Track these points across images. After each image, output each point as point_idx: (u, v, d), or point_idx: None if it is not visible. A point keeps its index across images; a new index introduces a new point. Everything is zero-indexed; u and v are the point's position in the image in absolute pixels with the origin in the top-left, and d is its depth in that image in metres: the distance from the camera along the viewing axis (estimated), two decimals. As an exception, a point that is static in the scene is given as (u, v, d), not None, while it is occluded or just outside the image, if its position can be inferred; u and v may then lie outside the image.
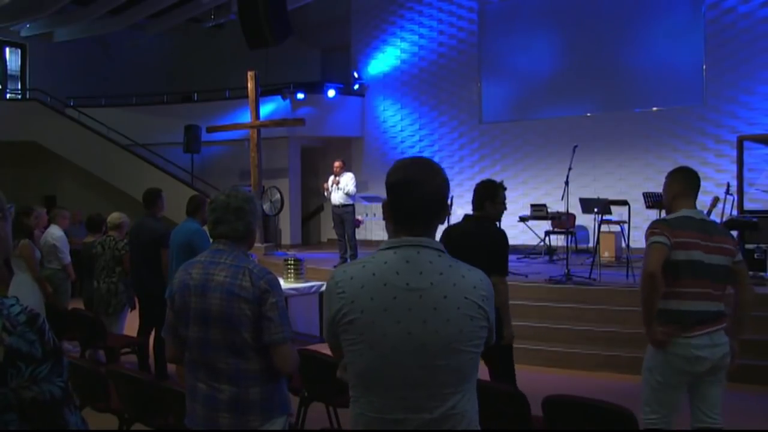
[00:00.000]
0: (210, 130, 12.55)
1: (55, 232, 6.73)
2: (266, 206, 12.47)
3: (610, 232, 9.60)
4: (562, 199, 8.22)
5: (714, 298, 3.24)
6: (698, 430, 3.31)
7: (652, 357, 3.31)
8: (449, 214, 1.81)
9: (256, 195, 2.66)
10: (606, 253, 9.67)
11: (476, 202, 4.26)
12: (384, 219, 1.82)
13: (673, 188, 3.40)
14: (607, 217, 8.50)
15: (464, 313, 1.67)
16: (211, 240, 2.57)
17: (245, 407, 2.33)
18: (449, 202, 1.84)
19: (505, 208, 4.46)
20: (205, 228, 3.28)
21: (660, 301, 3.21)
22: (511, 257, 5.37)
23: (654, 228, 3.27)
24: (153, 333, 5.95)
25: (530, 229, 10.87)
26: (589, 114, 11.79)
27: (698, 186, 3.39)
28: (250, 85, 11.65)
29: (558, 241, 10.58)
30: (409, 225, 1.74)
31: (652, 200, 8.85)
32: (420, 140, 13.77)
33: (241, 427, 2.33)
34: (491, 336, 1.76)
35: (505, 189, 4.41)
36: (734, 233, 8.07)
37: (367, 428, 1.73)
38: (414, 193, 1.73)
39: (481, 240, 4.08)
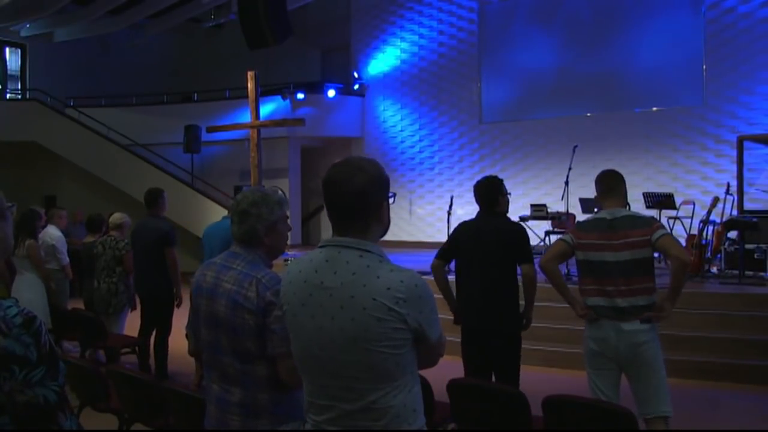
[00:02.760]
0: (210, 130, 12.54)
1: (53, 233, 6.72)
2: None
3: (610, 232, 9.58)
4: (562, 199, 8.23)
5: (621, 293, 3.38)
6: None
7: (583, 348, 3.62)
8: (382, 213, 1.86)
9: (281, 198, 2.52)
10: (606, 253, 9.65)
11: (489, 199, 4.23)
12: None
13: (597, 193, 3.72)
14: (607, 217, 8.48)
15: (370, 314, 1.69)
16: None
17: (255, 412, 2.30)
18: (385, 200, 1.85)
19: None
20: None
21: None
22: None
23: (569, 229, 3.70)
24: (154, 333, 5.96)
25: (530, 229, 10.85)
26: (589, 114, 11.79)
27: (612, 185, 3.67)
28: (250, 85, 11.64)
29: (558, 241, 10.56)
30: (335, 225, 1.83)
31: (652, 200, 8.85)
32: (420, 140, 13.77)
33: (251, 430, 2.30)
34: (423, 337, 1.75)
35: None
36: (734, 233, 8.08)
37: (307, 410, 1.86)
38: (332, 193, 1.80)
39: (501, 236, 4.09)
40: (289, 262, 8.02)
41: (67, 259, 6.72)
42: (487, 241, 4.05)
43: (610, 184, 3.67)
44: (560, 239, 3.66)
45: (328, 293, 1.75)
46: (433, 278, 4.19)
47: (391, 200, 1.91)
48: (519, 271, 4.14)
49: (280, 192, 2.54)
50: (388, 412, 1.73)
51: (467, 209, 12.51)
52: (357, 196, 1.77)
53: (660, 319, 3.42)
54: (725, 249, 8.11)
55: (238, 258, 2.36)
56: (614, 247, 3.41)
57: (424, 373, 3.76)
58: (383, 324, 1.69)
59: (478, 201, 4.31)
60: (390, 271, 1.73)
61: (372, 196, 1.79)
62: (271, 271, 2.38)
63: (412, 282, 1.72)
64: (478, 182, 4.35)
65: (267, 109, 13.08)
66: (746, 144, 9.47)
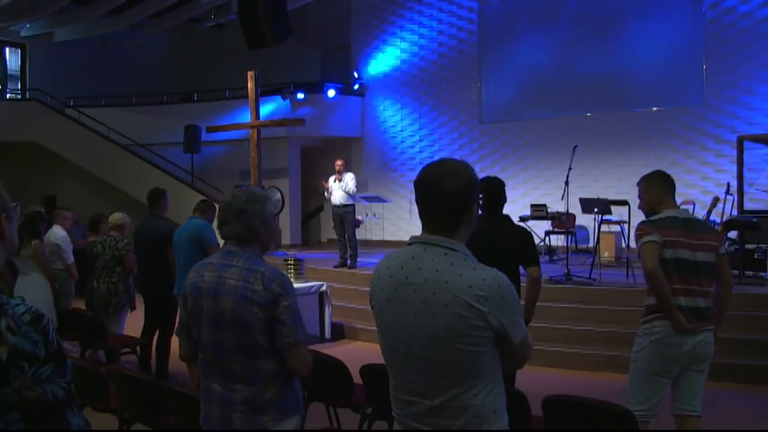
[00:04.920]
0: (210, 130, 12.55)
1: (58, 232, 6.75)
2: (267, 206, 12.48)
3: (610, 232, 9.60)
4: (562, 199, 8.22)
5: (699, 294, 3.40)
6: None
7: (639, 347, 3.54)
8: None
9: (275, 192, 2.58)
10: (606, 253, 9.67)
11: (497, 200, 4.16)
12: None
13: (656, 191, 3.58)
14: (607, 217, 8.50)
15: (451, 311, 1.72)
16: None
17: (260, 407, 2.33)
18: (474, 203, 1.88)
19: None
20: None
21: (647, 298, 3.46)
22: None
23: (642, 229, 3.47)
24: (156, 333, 5.96)
25: (530, 229, 10.86)
26: (589, 114, 11.79)
27: (675, 187, 3.64)
28: (250, 85, 11.65)
29: (558, 241, 10.58)
30: (425, 223, 1.86)
31: (652, 200, 8.84)
32: (420, 140, 13.77)
33: (254, 426, 2.33)
34: (505, 338, 1.76)
35: None
36: (734, 233, 8.09)
37: (393, 404, 1.89)
38: (425, 194, 1.83)
39: (507, 239, 4.04)
40: (289, 262, 8.03)
41: (72, 258, 6.74)
42: (494, 245, 3.88)
43: (672, 186, 3.64)
44: (650, 241, 3.39)
45: (411, 289, 1.79)
46: None
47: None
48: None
49: (277, 191, 2.56)
50: (466, 411, 1.75)
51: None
52: (451, 198, 1.80)
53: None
54: (725, 249, 8.10)
55: (235, 256, 2.39)
56: (692, 246, 3.41)
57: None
58: (463, 321, 1.71)
59: (481, 202, 4.18)
60: (473, 269, 1.77)
61: (465, 198, 1.83)
62: (269, 264, 2.43)
63: (495, 281, 1.74)
64: (484, 182, 4.17)
65: (267, 109, 13.09)
66: (746, 144, 9.47)
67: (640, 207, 3.70)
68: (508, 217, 4.21)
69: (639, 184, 3.71)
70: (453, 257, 1.79)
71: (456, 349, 1.72)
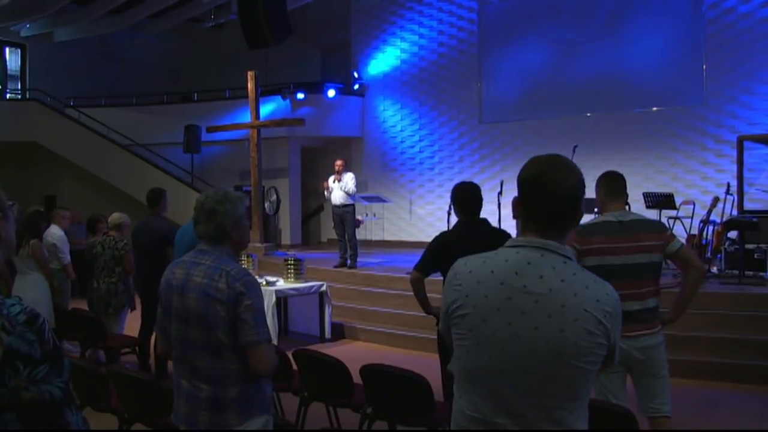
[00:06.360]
0: (210, 130, 12.56)
1: (55, 232, 6.76)
2: (266, 206, 12.51)
3: (610, 232, 9.59)
4: (562, 199, 8.22)
5: (635, 297, 3.31)
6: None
7: None
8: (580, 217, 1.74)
9: (246, 195, 2.60)
10: (606, 253, 9.66)
11: (474, 205, 4.10)
12: (513, 216, 1.76)
13: (599, 195, 3.63)
14: (607, 217, 8.48)
15: (581, 326, 1.57)
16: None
17: (223, 406, 2.36)
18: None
19: None
20: None
21: None
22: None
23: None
24: (155, 333, 5.97)
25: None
26: (589, 114, 11.78)
27: (621, 187, 3.64)
28: (250, 85, 11.66)
29: (558, 241, 10.58)
30: (537, 225, 1.68)
31: (652, 200, 8.85)
32: (420, 140, 13.77)
33: (218, 425, 2.36)
34: (611, 356, 1.65)
35: None
36: (734, 233, 8.09)
37: (466, 428, 1.69)
38: (544, 191, 1.66)
39: (490, 245, 3.99)
40: (289, 262, 8.01)
41: (69, 258, 6.75)
42: (475, 250, 3.86)
43: (618, 187, 3.62)
44: None
45: (532, 299, 1.60)
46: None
47: None
48: None
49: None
50: None
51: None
52: (569, 200, 1.66)
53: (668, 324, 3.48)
54: (725, 249, 8.11)
55: (206, 254, 2.44)
56: (625, 249, 3.35)
57: (422, 372, 3.75)
58: (591, 338, 1.58)
59: (460, 207, 4.09)
60: (594, 281, 1.64)
61: (580, 200, 1.69)
62: (238, 264, 2.46)
63: (615, 296, 1.63)
64: (462, 188, 4.13)
65: (267, 109, 13.09)
66: (746, 144, 9.48)
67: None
68: (486, 221, 4.16)
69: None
70: (572, 266, 1.64)
71: (576, 368, 1.58)
